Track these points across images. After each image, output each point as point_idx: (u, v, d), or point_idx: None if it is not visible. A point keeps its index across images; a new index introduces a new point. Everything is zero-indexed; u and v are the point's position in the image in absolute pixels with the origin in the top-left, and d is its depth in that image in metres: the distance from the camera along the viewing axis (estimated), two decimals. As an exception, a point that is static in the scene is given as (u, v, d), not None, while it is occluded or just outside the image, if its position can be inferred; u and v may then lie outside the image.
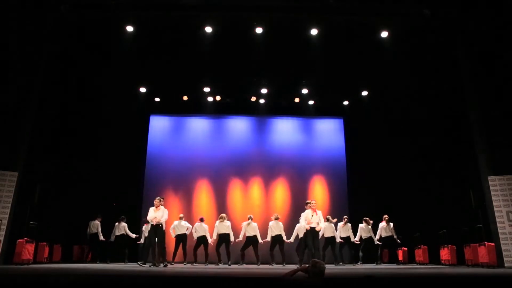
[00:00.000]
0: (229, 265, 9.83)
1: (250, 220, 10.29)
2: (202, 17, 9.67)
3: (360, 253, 10.39)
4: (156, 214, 8.49)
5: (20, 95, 8.92)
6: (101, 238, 10.69)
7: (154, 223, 8.42)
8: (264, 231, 10.47)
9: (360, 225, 10.61)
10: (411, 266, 9.41)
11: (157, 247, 8.52)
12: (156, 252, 8.52)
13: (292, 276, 4.73)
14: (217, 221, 10.28)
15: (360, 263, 10.15)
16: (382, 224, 10.53)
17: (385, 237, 10.40)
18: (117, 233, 10.76)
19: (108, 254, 10.59)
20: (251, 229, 10.18)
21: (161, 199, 8.73)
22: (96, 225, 10.77)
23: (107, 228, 10.89)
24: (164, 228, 8.63)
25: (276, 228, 10.15)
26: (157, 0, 9.57)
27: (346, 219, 10.63)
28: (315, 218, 8.48)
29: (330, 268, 8.53)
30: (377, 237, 10.49)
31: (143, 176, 12.46)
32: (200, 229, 10.28)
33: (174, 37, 10.11)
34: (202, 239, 10.20)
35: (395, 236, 10.39)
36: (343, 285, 4.52)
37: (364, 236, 10.48)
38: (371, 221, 10.51)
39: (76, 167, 11.41)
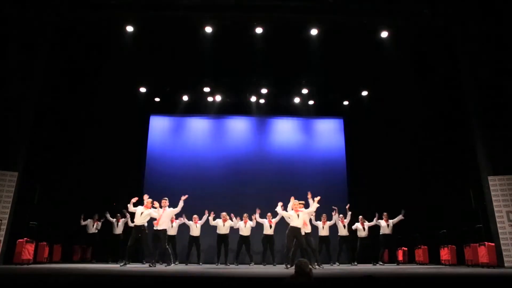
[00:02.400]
0: (228, 265, 9.86)
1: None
2: (202, 17, 9.66)
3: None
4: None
5: (20, 95, 8.92)
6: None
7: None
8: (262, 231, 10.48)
9: (357, 224, 10.72)
10: (411, 266, 9.40)
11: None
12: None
13: (294, 279, 4.71)
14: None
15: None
16: (382, 222, 10.61)
17: (384, 235, 10.53)
18: (117, 231, 10.79)
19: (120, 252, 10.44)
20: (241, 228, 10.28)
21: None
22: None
23: (107, 227, 10.94)
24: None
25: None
26: (157, 0, 9.57)
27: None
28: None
29: (329, 268, 8.53)
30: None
31: (143, 176, 12.45)
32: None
33: (174, 37, 10.10)
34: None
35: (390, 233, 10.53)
36: (343, 285, 4.52)
37: (361, 235, 10.61)
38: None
39: (76, 167, 11.40)
